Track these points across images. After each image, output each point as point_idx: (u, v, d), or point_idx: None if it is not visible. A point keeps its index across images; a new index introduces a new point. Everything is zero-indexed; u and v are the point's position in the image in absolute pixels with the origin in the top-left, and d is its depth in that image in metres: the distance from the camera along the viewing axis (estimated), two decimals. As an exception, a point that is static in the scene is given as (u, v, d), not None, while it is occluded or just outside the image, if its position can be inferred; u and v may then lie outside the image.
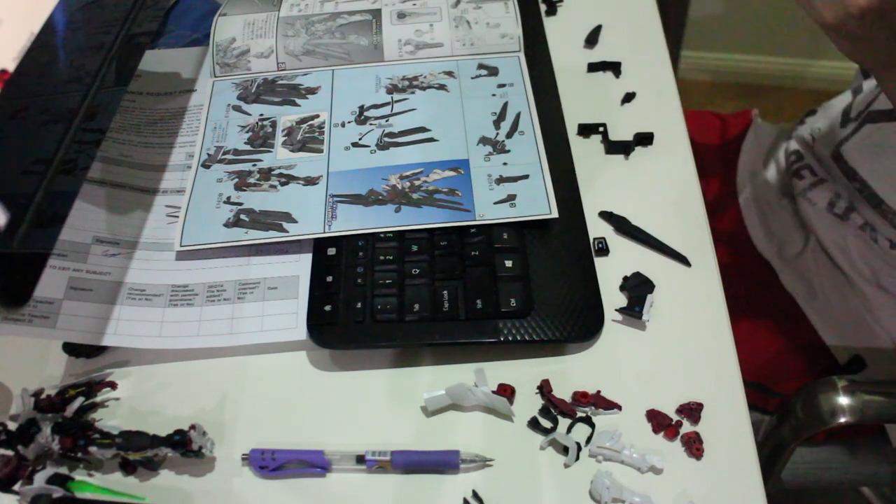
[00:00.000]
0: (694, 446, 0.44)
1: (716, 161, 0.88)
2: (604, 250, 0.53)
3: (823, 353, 0.72)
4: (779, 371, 0.72)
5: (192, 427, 0.44)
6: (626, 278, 0.51)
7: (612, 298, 0.51)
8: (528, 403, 0.47)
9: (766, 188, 0.83)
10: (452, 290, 0.50)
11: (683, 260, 0.53)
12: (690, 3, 1.48)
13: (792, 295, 0.75)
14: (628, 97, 0.62)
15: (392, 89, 0.61)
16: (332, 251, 0.52)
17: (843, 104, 0.76)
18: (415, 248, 0.51)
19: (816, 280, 0.74)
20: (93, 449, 0.44)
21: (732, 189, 0.85)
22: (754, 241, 0.80)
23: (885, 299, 0.70)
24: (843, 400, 0.56)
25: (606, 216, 0.55)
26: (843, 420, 0.56)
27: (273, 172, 0.56)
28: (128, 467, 0.46)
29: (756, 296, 0.75)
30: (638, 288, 0.51)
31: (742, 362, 0.73)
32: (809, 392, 0.58)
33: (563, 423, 0.46)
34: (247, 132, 0.59)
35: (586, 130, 0.60)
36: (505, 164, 0.55)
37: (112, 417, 0.49)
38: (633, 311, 0.49)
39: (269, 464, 0.45)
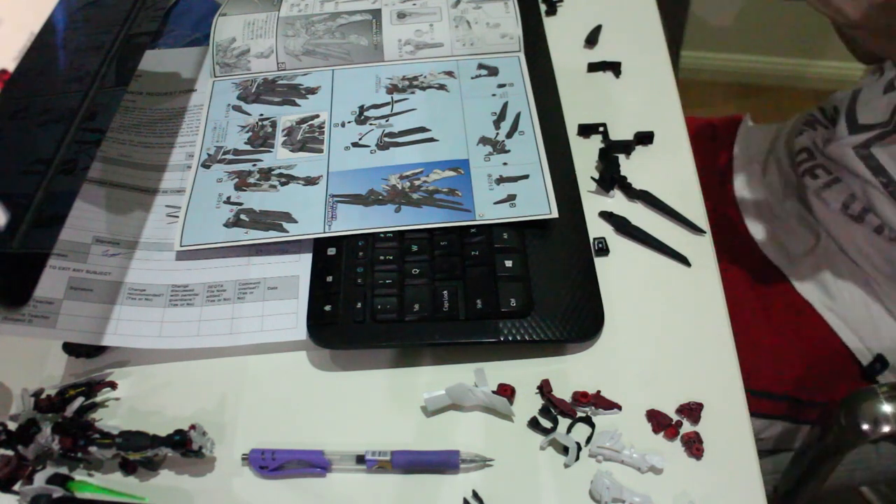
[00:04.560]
0: (694, 446, 0.44)
1: (708, 168, 0.87)
2: (604, 250, 0.53)
3: (846, 356, 0.71)
4: (810, 379, 0.71)
5: (192, 427, 0.44)
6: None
7: (612, 298, 0.51)
8: (528, 403, 0.47)
9: (768, 192, 0.82)
10: (452, 290, 0.50)
11: (683, 260, 0.53)
12: (691, 3, 1.48)
13: (806, 299, 0.74)
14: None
15: (392, 89, 0.61)
16: (332, 251, 0.52)
17: (847, 102, 0.76)
18: (415, 248, 0.51)
19: (833, 282, 0.73)
20: (93, 449, 0.44)
21: (727, 195, 0.84)
22: (762, 248, 0.79)
23: None
24: (887, 407, 0.55)
25: (606, 216, 0.55)
26: (886, 430, 0.55)
27: (273, 172, 0.56)
28: (128, 467, 0.46)
29: (769, 305, 0.74)
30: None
31: (772, 376, 0.72)
32: (852, 401, 0.57)
33: (563, 423, 0.46)
34: (247, 132, 0.59)
35: (586, 130, 0.60)
36: (505, 164, 0.55)
37: (112, 417, 0.49)
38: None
39: (269, 464, 0.45)
